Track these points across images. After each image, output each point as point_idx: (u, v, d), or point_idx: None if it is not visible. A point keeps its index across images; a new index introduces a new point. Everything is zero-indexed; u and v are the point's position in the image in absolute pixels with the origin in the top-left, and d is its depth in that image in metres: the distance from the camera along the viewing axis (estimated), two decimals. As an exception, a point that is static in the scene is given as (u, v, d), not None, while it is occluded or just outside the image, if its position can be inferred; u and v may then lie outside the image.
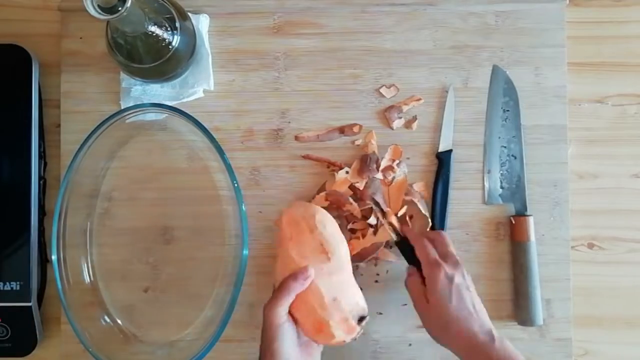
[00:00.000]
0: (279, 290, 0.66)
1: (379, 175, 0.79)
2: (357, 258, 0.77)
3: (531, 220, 0.78)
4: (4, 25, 0.82)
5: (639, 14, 0.83)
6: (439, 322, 0.68)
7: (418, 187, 0.80)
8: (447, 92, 0.80)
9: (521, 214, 0.79)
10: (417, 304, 0.71)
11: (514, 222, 0.78)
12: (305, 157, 0.80)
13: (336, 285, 0.66)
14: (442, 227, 0.79)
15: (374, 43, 0.81)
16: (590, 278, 0.81)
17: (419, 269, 0.71)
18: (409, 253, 0.73)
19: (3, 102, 0.79)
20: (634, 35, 0.83)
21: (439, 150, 0.79)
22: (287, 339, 0.65)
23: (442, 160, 0.79)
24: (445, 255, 0.70)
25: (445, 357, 0.78)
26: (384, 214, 0.76)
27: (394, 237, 0.75)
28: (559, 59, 0.81)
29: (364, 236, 0.78)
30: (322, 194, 0.78)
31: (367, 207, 0.78)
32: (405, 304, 0.79)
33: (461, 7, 0.81)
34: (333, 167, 0.79)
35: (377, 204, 0.77)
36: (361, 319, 0.67)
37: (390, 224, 0.76)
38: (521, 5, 0.81)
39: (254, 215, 0.79)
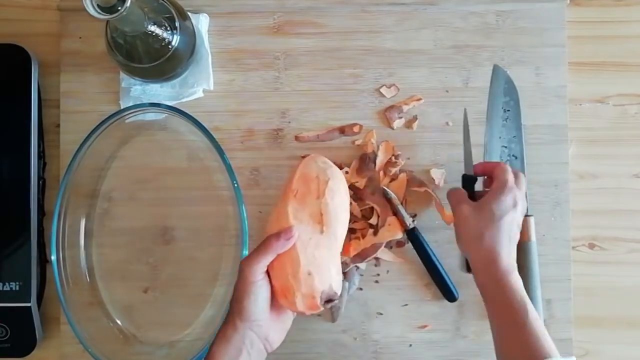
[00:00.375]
0: (260, 246, 0.64)
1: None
2: (357, 258, 0.77)
3: (532, 221, 0.78)
4: (4, 25, 0.82)
5: (639, 13, 0.82)
6: (476, 229, 0.68)
7: (436, 174, 0.80)
8: (454, 118, 0.79)
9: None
10: (459, 208, 0.70)
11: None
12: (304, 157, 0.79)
13: (317, 260, 0.64)
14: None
15: (374, 43, 0.81)
16: (591, 278, 0.81)
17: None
18: (471, 184, 0.74)
19: (2, 101, 0.79)
20: (634, 35, 0.83)
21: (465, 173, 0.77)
22: (260, 299, 0.63)
23: (469, 181, 0.76)
24: (520, 188, 0.70)
25: (446, 358, 0.79)
26: (392, 203, 0.77)
27: (410, 224, 0.77)
28: (559, 59, 0.81)
29: (363, 236, 0.78)
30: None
31: (366, 207, 0.78)
32: (406, 304, 0.79)
33: (462, 6, 0.80)
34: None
35: (389, 194, 0.77)
36: (328, 301, 0.65)
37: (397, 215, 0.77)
38: (522, 4, 0.80)
39: (254, 215, 0.79)
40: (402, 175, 0.79)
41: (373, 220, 0.78)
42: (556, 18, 0.81)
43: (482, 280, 0.69)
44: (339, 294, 0.66)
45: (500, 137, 0.80)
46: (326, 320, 0.79)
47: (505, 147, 0.80)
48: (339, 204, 0.67)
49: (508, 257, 0.67)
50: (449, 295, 0.78)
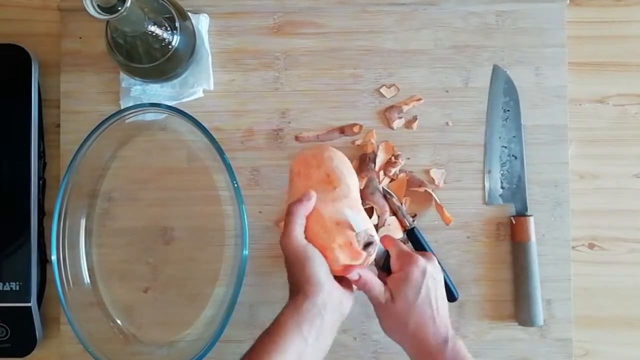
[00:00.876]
0: (286, 218, 0.63)
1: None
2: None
3: (532, 221, 0.78)
4: (4, 25, 0.82)
5: (639, 13, 0.82)
6: (398, 321, 0.64)
7: (436, 174, 0.80)
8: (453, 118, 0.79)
9: (522, 214, 0.79)
10: (379, 303, 0.66)
11: (514, 222, 0.78)
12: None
13: (340, 210, 0.63)
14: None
15: (374, 43, 0.81)
16: (591, 278, 0.81)
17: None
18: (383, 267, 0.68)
19: (3, 101, 0.79)
20: (634, 35, 0.83)
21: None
22: (317, 261, 0.61)
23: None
24: (417, 249, 0.70)
25: (446, 358, 0.79)
26: (392, 203, 0.77)
27: (410, 224, 0.77)
28: (559, 59, 0.81)
29: None
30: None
31: (366, 206, 0.78)
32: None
33: (462, 6, 0.80)
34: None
35: (389, 194, 0.78)
36: (367, 245, 0.63)
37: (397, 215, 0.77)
38: (522, 5, 0.80)
39: (254, 215, 0.79)
40: (402, 175, 0.79)
41: (373, 220, 0.78)
42: (556, 18, 0.81)
43: None
44: (376, 237, 0.64)
45: (500, 137, 0.80)
46: None
47: (505, 147, 0.80)
48: (341, 163, 0.66)
49: (437, 332, 0.63)
50: (448, 295, 0.78)
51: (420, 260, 0.65)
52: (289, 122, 0.80)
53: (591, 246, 0.81)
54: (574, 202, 0.80)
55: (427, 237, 0.78)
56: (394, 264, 0.66)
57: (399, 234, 0.78)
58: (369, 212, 0.78)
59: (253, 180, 0.80)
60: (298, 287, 0.61)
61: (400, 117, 0.80)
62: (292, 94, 0.81)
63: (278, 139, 0.80)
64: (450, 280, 0.78)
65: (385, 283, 0.65)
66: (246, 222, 0.74)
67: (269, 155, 0.80)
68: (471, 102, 0.80)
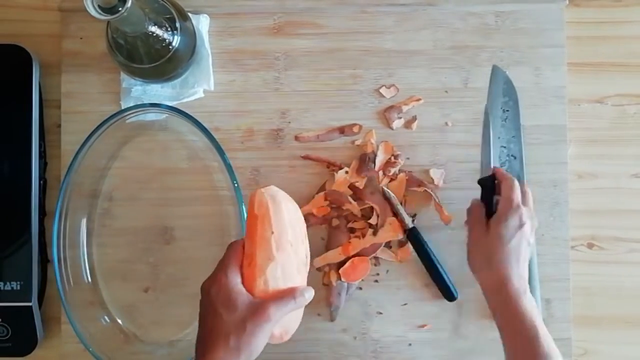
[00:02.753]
0: (287, 299, 0.61)
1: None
2: (352, 271, 0.78)
3: None
4: (5, 25, 0.82)
5: (638, 14, 0.83)
6: (486, 252, 0.69)
7: (436, 174, 0.80)
8: (483, 114, 0.78)
9: None
10: (474, 228, 0.72)
11: None
12: (305, 157, 0.80)
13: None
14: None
15: (373, 43, 0.81)
16: (590, 278, 0.81)
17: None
18: (488, 191, 0.74)
19: (4, 102, 0.79)
20: (633, 36, 0.83)
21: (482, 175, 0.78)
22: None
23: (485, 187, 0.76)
24: (526, 204, 0.71)
25: (445, 357, 0.79)
26: (392, 203, 0.78)
27: (409, 224, 0.77)
28: (558, 59, 0.81)
29: (363, 236, 0.78)
30: (321, 194, 0.78)
31: (366, 206, 0.78)
32: (406, 304, 0.79)
33: (461, 7, 0.81)
34: (333, 167, 0.79)
35: (388, 194, 0.78)
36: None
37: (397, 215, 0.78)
38: (521, 5, 0.81)
39: (254, 215, 0.79)
40: (402, 175, 0.79)
41: (373, 220, 0.78)
42: (555, 19, 0.81)
43: (492, 305, 0.69)
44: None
45: (499, 138, 0.80)
46: (325, 320, 0.79)
47: (504, 147, 0.80)
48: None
49: (518, 280, 0.67)
50: (448, 295, 0.78)
51: (523, 213, 0.69)
52: (289, 122, 0.81)
53: (590, 246, 0.82)
54: (573, 201, 0.80)
55: (427, 236, 0.78)
56: (500, 205, 0.71)
57: (398, 234, 0.78)
58: (369, 212, 0.78)
59: (253, 180, 0.80)
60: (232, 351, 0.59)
61: (400, 117, 0.80)
62: (292, 94, 0.81)
63: (278, 139, 0.81)
64: (450, 280, 0.78)
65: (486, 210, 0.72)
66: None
67: (269, 155, 0.80)
68: (470, 102, 0.81)
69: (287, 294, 0.61)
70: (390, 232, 0.78)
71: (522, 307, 0.66)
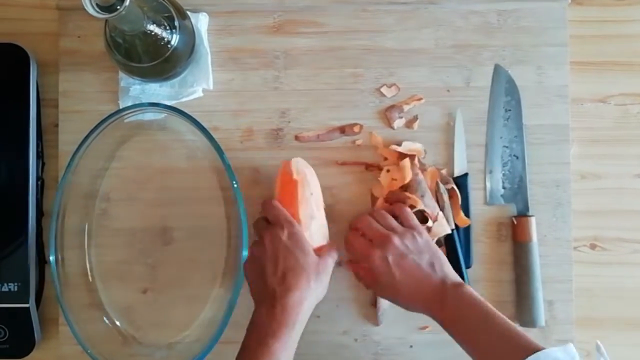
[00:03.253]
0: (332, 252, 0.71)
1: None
2: None
3: (533, 221, 0.77)
4: (2, 24, 0.82)
5: (641, 12, 0.82)
6: (396, 296, 0.71)
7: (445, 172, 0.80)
8: (454, 118, 0.79)
9: (523, 214, 0.79)
10: (377, 292, 0.75)
11: (515, 222, 0.78)
12: (342, 163, 0.79)
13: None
14: (468, 256, 0.78)
15: (374, 42, 0.80)
16: (593, 279, 0.81)
17: None
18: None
19: (1, 101, 0.79)
20: (636, 35, 0.82)
21: (455, 176, 0.79)
22: None
23: (460, 185, 0.78)
24: (374, 236, 0.71)
25: (446, 359, 0.78)
26: (442, 200, 0.78)
27: (451, 224, 0.77)
28: (561, 58, 0.80)
29: None
30: (381, 200, 0.77)
31: (415, 210, 0.76)
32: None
33: (463, 5, 0.80)
34: (371, 167, 0.79)
35: (443, 190, 0.78)
36: None
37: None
38: (523, 4, 0.80)
39: (254, 215, 0.78)
40: (432, 169, 0.79)
41: (430, 223, 0.76)
42: (558, 17, 0.80)
43: (440, 317, 0.68)
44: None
45: (501, 137, 0.80)
46: (373, 324, 0.79)
47: (507, 147, 0.79)
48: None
49: (432, 283, 0.69)
50: (460, 269, 0.78)
51: (374, 251, 0.70)
52: (289, 122, 0.80)
53: (593, 247, 0.81)
54: (575, 202, 0.80)
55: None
56: (353, 266, 0.75)
57: (447, 229, 0.76)
58: (418, 215, 0.76)
59: (253, 180, 0.79)
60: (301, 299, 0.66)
61: (401, 117, 0.80)
62: (292, 93, 0.80)
63: (278, 138, 0.80)
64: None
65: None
66: (246, 223, 0.73)
67: (269, 155, 0.80)
68: (472, 102, 0.80)
69: (332, 247, 0.72)
70: (443, 226, 0.76)
71: (448, 304, 0.67)
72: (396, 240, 0.70)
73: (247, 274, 0.71)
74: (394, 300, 0.72)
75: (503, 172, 0.80)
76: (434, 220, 0.76)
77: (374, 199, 0.79)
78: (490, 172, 0.79)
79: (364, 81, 0.80)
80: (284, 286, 0.66)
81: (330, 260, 0.70)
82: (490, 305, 0.66)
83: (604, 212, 0.81)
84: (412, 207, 0.75)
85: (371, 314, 0.79)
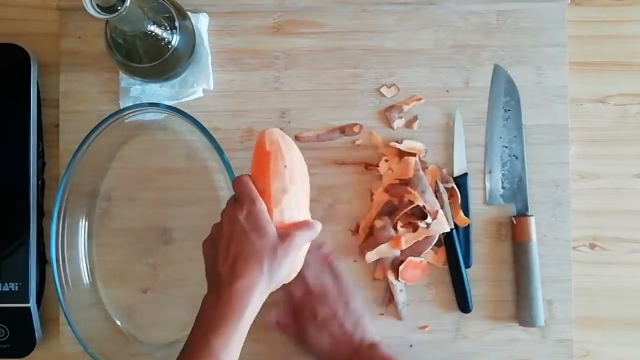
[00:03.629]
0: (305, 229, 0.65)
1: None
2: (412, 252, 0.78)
3: (532, 221, 0.78)
4: (3, 24, 0.82)
5: (640, 13, 0.82)
6: (308, 347, 0.71)
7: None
8: (453, 118, 0.79)
9: (522, 214, 0.79)
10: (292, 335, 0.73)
11: (515, 222, 0.78)
12: (340, 163, 0.79)
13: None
14: (468, 255, 0.79)
15: (374, 42, 0.81)
16: (592, 279, 0.81)
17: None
18: None
19: (2, 102, 0.79)
20: (635, 35, 0.82)
21: (454, 175, 0.79)
22: None
23: (459, 185, 0.78)
24: (315, 286, 0.72)
25: (447, 359, 0.79)
26: (442, 199, 0.78)
27: (450, 224, 0.77)
28: (560, 59, 0.80)
29: (414, 229, 0.77)
30: (380, 189, 0.78)
31: (415, 205, 0.76)
32: (408, 304, 0.79)
33: (462, 6, 0.80)
34: (370, 167, 0.79)
35: (442, 190, 0.78)
36: None
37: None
38: (522, 4, 0.80)
39: (253, 216, 0.78)
40: (433, 167, 0.79)
41: (429, 220, 0.76)
42: (557, 18, 0.81)
43: None
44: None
45: (500, 137, 0.80)
46: (394, 319, 0.79)
47: (506, 147, 0.80)
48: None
49: (362, 337, 0.71)
50: (464, 305, 0.78)
51: (311, 303, 0.71)
52: (289, 122, 0.80)
53: (592, 246, 0.81)
54: (574, 202, 0.80)
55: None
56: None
57: (446, 227, 0.77)
58: (417, 211, 0.77)
59: (253, 180, 0.79)
60: (265, 275, 0.61)
61: (401, 117, 0.80)
62: (292, 93, 0.81)
63: (278, 138, 0.80)
64: (470, 292, 0.78)
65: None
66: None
67: (269, 155, 0.80)
68: (472, 102, 0.80)
69: (305, 224, 0.64)
70: (444, 224, 0.76)
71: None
72: (331, 300, 0.72)
73: (204, 256, 0.65)
74: (307, 351, 0.72)
75: (502, 172, 0.80)
76: (434, 217, 0.76)
77: (373, 198, 0.79)
78: (490, 172, 0.80)
79: (364, 81, 0.80)
80: (232, 274, 0.60)
81: (298, 240, 0.62)
82: None
83: (603, 212, 0.81)
84: (410, 202, 0.75)
85: (391, 311, 0.79)
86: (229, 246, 0.61)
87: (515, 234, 0.78)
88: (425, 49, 0.80)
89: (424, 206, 0.76)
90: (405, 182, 0.77)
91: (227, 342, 0.58)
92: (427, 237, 0.77)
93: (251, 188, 0.63)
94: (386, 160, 0.78)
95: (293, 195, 0.65)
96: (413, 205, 0.76)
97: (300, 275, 0.68)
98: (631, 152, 0.81)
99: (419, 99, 0.80)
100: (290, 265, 0.63)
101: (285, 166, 0.65)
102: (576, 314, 0.79)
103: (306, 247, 0.67)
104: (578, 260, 0.80)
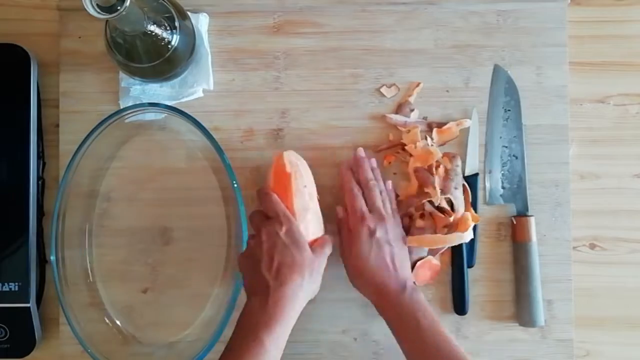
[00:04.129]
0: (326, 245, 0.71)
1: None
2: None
3: (532, 221, 0.78)
4: (3, 24, 0.82)
5: (640, 13, 0.82)
6: (356, 270, 0.72)
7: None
8: (470, 116, 0.79)
9: (522, 214, 0.79)
10: (341, 251, 0.74)
11: (515, 222, 0.78)
12: (380, 150, 0.80)
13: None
14: (471, 255, 0.79)
15: (374, 42, 0.81)
16: (592, 279, 0.81)
17: None
18: None
19: (2, 102, 0.79)
20: (635, 35, 0.82)
21: (466, 175, 0.79)
22: None
23: (470, 184, 0.78)
24: (372, 208, 0.73)
25: (446, 358, 0.79)
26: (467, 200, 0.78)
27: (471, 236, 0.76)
28: (560, 59, 0.80)
29: (421, 217, 0.77)
30: (412, 169, 0.77)
31: (446, 196, 0.76)
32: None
33: (462, 6, 0.80)
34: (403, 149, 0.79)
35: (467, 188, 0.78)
36: None
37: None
38: (523, 4, 0.80)
39: (253, 216, 0.78)
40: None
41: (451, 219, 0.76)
42: (557, 18, 0.81)
43: (379, 310, 0.72)
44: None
45: (500, 137, 0.80)
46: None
47: (506, 147, 0.80)
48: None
49: (395, 279, 0.70)
50: (460, 308, 0.78)
51: (369, 220, 0.72)
52: (289, 122, 0.80)
53: (592, 246, 0.81)
54: (574, 202, 0.80)
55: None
56: (348, 219, 0.73)
57: (469, 234, 0.76)
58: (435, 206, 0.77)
59: (253, 180, 0.80)
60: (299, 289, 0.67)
61: (413, 110, 0.79)
62: (292, 93, 0.81)
63: (278, 138, 0.80)
64: (468, 297, 0.78)
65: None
66: (246, 223, 0.73)
67: (269, 155, 0.79)
68: (472, 102, 0.80)
69: (326, 240, 0.72)
70: (469, 233, 0.75)
71: (401, 305, 0.69)
72: (390, 224, 0.73)
73: (241, 267, 0.70)
74: (352, 273, 0.73)
75: (502, 172, 0.80)
76: (464, 228, 0.75)
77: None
78: (490, 172, 0.80)
79: (364, 81, 0.80)
80: (278, 280, 0.66)
81: (324, 257, 0.70)
82: (434, 314, 0.70)
83: (603, 212, 0.81)
84: (427, 195, 0.76)
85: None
86: (272, 257, 0.67)
87: (515, 234, 0.78)
88: (425, 49, 0.80)
89: (451, 200, 0.76)
90: (441, 173, 0.77)
91: (277, 340, 0.65)
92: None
93: (284, 207, 0.70)
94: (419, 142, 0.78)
95: (313, 211, 0.72)
96: (432, 199, 0.76)
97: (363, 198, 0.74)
98: (631, 152, 0.81)
99: (418, 84, 0.80)
100: (320, 278, 0.70)
101: (305, 186, 0.72)
102: (576, 314, 0.79)
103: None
104: (578, 261, 0.80)
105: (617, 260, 0.81)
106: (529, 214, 0.79)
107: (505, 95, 0.80)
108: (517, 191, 0.79)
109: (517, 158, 0.79)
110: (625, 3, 0.82)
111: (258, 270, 0.67)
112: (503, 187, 0.80)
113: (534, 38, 0.80)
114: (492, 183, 0.79)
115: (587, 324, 0.80)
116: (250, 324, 0.65)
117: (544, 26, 0.80)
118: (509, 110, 0.80)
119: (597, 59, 0.82)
